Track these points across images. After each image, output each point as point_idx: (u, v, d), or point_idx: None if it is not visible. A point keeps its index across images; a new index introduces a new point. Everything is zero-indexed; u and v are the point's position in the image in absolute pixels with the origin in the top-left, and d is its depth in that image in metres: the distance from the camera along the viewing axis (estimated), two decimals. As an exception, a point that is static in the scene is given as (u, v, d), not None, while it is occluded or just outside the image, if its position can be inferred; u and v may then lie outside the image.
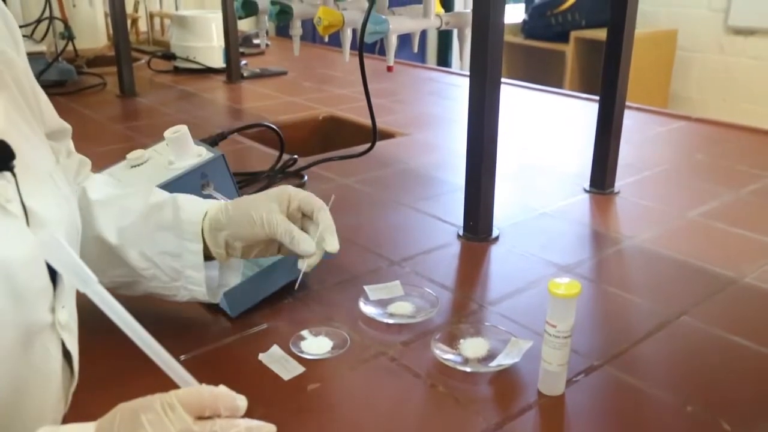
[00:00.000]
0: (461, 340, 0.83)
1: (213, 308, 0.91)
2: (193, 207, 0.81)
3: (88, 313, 0.66)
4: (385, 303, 0.92)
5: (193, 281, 0.81)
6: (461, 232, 1.15)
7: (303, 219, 0.83)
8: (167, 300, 0.83)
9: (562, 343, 0.73)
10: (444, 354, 0.80)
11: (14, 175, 0.55)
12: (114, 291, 0.71)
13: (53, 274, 0.58)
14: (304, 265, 0.81)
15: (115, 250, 0.80)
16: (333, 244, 0.81)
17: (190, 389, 0.51)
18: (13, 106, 0.61)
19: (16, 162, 0.55)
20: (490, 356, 0.80)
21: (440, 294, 0.95)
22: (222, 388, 0.51)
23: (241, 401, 0.51)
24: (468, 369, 0.78)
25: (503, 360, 0.79)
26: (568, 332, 0.72)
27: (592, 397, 0.76)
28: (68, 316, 0.60)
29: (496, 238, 1.14)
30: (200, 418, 0.49)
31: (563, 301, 0.71)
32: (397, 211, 1.26)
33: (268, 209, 0.79)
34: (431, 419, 0.72)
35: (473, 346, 0.82)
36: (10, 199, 0.54)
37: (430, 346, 0.81)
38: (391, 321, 0.88)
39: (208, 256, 0.81)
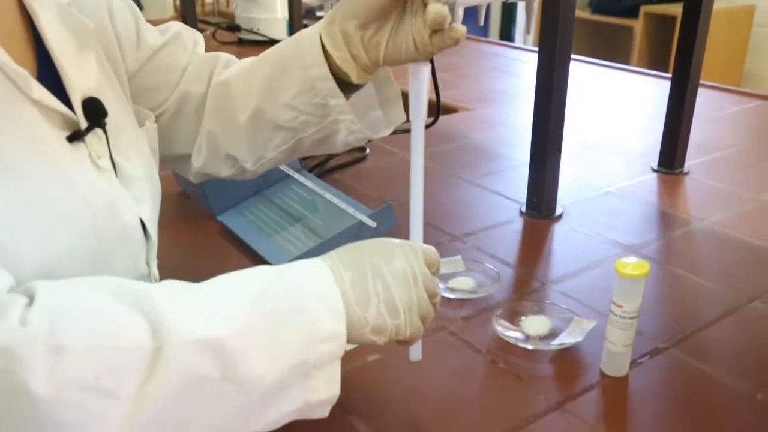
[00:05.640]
0: (523, 318, 0.82)
1: (275, 277, 0.93)
2: (313, 26, 0.70)
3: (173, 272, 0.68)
4: (447, 278, 0.91)
5: (340, 110, 0.69)
6: (524, 209, 1.13)
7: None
8: (339, 150, 0.75)
9: (628, 324, 0.71)
10: (505, 330, 0.80)
11: (105, 132, 0.57)
12: (285, 160, 0.76)
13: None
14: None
15: (261, 118, 0.73)
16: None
17: (428, 248, 0.63)
18: (101, 68, 0.63)
19: (107, 120, 0.58)
20: (552, 334, 0.79)
21: (502, 270, 0.94)
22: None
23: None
24: (530, 346, 0.78)
25: (566, 339, 0.78)
26: (635, 313, 0.71)
27: (657, 380, 0.74)
28: (156, 271, 0.63)
29: (560, 216, 1.12)
30: None
31: (631, 281, 0.70)
32: (459, 187, 1.25)
33: None
34: (491, 395, 0.72)
35: (535, 324, 0.81)
36: (101, 156, 0.57)
37: (491, 322, 0.81)
38: (452, 296, 0.88)
39: (350, 84, 0.69)
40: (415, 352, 0.68)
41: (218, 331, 0.47)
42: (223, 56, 0.79)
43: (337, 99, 0.68)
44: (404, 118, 0.74)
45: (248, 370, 0.48)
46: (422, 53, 0.63)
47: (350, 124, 0.70)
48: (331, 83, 0.68)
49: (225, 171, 0.78)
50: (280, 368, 0.50)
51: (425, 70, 0.64)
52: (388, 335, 0.57)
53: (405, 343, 0.61)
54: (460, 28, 0.60)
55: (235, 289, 0.52)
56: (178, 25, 0.77)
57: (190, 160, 0.79)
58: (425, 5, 0.60)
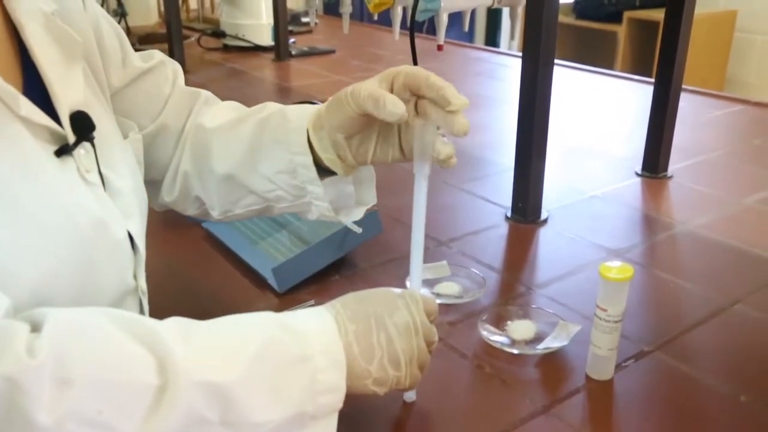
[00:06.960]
0: (508, 322, 0.82)
1: (261, 284, 0.92)
2: (299, 114, 0.71)
3: (159, 280, 0.68)
4: (432, 283, 0.91)
5: (317, 196, 0.71)
6: (509, 214, 1.14)
7: (421, 102, 0.66)
8: (305, 217, 0.76)
9: (613, 328, 0.72)
10: (491, 335, 0.80)
11: (93, 146, 0.57)
12: (251, 217, 0.77)
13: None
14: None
15: (237, 179, 0.74)
16: (455, 99, 0.62)
17: (428, 297, 0.65)
18: (87, 80, 0.63)
19: (94, 133, 0.57)
20: (538, 339, 0.80)
21: (487, 275, 0.94)
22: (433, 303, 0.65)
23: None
24: (515, 351, 0.78)
25: (551, 343, 0.78)
26: (619, 317, 0.71)
27: (642, 383, 0.74)
28: (144, 284, 0.64)
29: (545, 221, 1.12)
30: None
31: (615, 284, 0.70)
32: (444, 192, 1.25)
33: (358, 85, 0.64)
34: (478, 400, 0.72)
35: (521, 328, 0.81)
36: (90, 170, 0.57)
37: (477, 327, 0.81)
38: (438, 301, 0.87)
39: (331, 170, 0.70)
40: (410, 393, 0.70)
41: (222, 375, 0.48)
42: (203, 93, 0.80)
43: (316, 187, 0.70)
44: (375, 202, 0.77)
45: (247, 417, 0.49)
46: (409, 158, 0.68)
47: (324, 210, 0.72)
48: (313, 174, 0.69)
49: (191, 210, 0.79)
50: (279, 417, 0.50)
51: (432, 129, 0.65)
52: (389, 386, 0.59)
53: (403, 390, 0.64)
54: (454, 161, 0.66)
55: (242, 335, 0.52)
56: (160, 54, 0.78)
57: (158, 187, 0.79)
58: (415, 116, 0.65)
